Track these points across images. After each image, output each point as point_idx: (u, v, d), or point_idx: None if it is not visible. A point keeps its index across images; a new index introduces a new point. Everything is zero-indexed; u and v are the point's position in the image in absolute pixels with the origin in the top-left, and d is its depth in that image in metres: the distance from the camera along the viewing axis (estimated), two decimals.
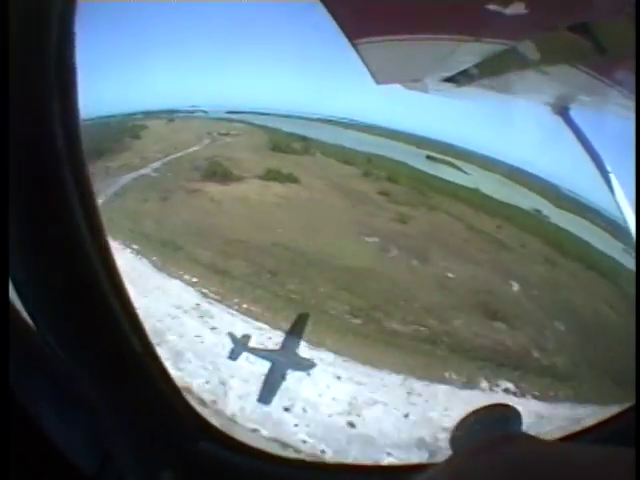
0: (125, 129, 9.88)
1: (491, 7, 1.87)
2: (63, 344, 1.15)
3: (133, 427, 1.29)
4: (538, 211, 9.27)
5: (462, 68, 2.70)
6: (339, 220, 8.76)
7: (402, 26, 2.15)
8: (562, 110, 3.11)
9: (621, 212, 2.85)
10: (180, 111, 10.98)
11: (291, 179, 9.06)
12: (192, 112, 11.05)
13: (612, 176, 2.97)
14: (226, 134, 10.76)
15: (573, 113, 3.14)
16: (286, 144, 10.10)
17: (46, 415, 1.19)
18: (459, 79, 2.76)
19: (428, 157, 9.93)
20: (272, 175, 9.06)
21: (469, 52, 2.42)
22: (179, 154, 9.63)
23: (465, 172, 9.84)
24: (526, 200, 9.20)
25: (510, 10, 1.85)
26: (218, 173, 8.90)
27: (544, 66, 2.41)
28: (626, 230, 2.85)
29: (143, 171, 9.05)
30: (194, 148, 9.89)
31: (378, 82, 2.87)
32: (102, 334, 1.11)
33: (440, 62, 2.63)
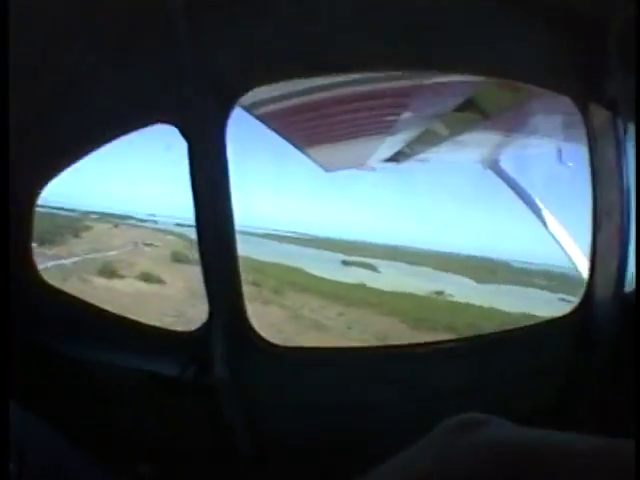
0: (72, 226, 9.78)
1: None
2: None
3: None
4: (439, 292, 8.87)
5: (397, 149, 2.81)
6: None
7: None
8: (493, 163, 3.27)
9: (568, 257, 2.95)
10: (133, 217, 10.88)
11: (159, 281, 9.48)
12: (143, 220, 10.99)
13: (551, 219, 3.08)
14: (149, 244, 11.00)
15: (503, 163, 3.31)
16: (187, 256, 10.20)
17: None
18: (398, 158, 2.87)
19: (343, 262, 9.86)
20: (144, 277, 9.61)
21: (397, 137, 2.54)
22: (98, 255, 9.61)
23: (378, 271, 9.75)
24: (430, 284, 8.82)
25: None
26: (109, 271, 9.41)
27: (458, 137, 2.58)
28: (573, 279, 2.94)
29: (64, 261, 9.22)
30: (112, 252, 9.98)
31: (327, 171, 2.92)
32: None
33: (374, 149, 2.72)
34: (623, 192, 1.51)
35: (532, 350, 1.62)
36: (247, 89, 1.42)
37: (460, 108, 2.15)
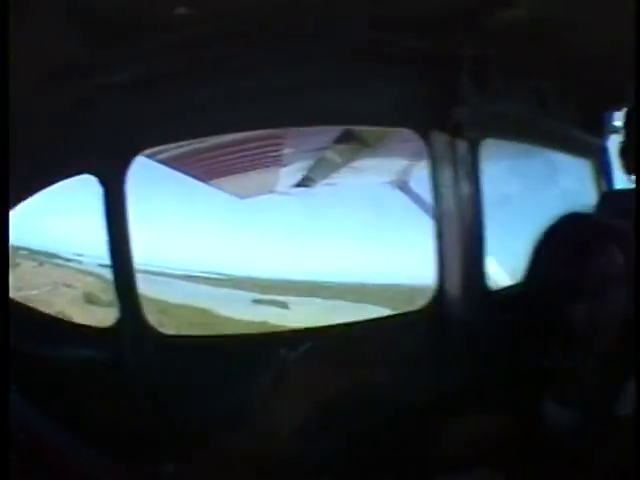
0: None
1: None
2: None
3: None
4: None
5: (301, 176, 3.04)
6: None
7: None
8: (402, 183, 3.53)
9: None
10: (59, 256, 10.16)
11: None
12: (69, 259, 10.33)
13: None
14: (69, 285, 10.37)
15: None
16: (100, 297, 9.92)
17: None
18: (307, 184, 3.08)
19: (254, 300, 9.99)
20: None
21: (290, 167, 2.76)
22: (20, 293, 9.05)
23: (288, 308, 9.93)
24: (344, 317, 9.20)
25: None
26: None
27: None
28: None
29: None
30: (34, 292, 9.37)
31: (242, 198, 3.09)
32: None
33: (277, 178, 2.93)
34: (461, 202, 1.74)
35: (390, 342, 1.76)
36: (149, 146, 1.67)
37: (339, 140, 2.34)
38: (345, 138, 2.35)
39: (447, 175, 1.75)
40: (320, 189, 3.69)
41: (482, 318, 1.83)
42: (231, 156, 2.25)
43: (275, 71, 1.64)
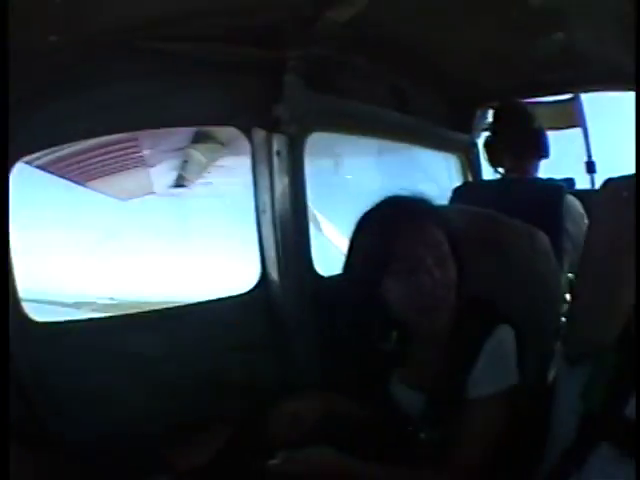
0: None
1: None
2: None
3: None
4: None
5: (175, 176, 3.23)
6: None
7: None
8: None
9: None
10: None
11: None
12: None
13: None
14: None
15: None
16: None
17: None
18: (182, 183, 3.15)
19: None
20: None
21: (158, 168, 2.86)
22: None
23: None
24: None
25: None
26: None
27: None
28: None
29: None
30: None
31: (122, 200, 3.08)
32: None
33: (149, 178, 3.01)
34: (274, 193, 1.87)
35: (218, 325, 1.78)
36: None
37: (196, 140, 2.50)
38: (201, 138, 2.51)
39: (266, 169, 1.87)
40: (196, 189, 3.54)
41: (309, 303, 1.89)
42: (100, 158, 2.41)
43: (132, 80, 1.78)
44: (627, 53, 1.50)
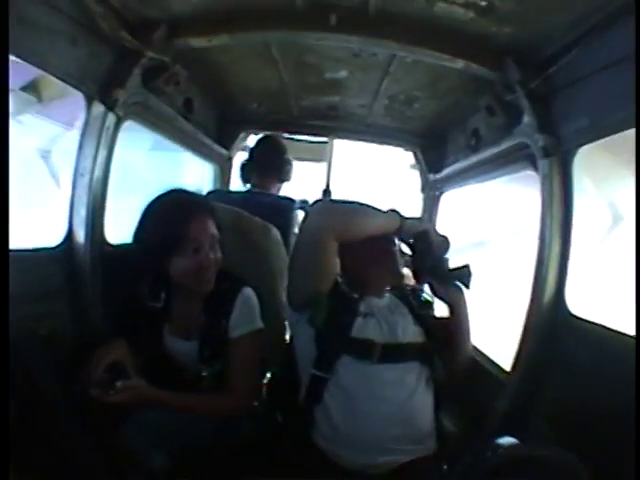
0: None
1: None
2: None
3: None
4: None
5: None
6: None
7: None
8: (45, 153, 3.48)
9: None
10: None
11: None
12: None
13: None
14: None
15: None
16: None
17: None
18: None
19: None
20: None
21: None
22: None
23: None
24: None
25: None
26: None
27: None
28: None
29: None
30: None
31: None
32: None
33: None
34: (95, 162, 1.88)
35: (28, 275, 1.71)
36: None
37: (25, 87, 2.44)
38: (30, 87, 2.48)
39: (94, 140, 1.92)
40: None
41: (100, 265, 1.99)
42: None
43: None
44: None
